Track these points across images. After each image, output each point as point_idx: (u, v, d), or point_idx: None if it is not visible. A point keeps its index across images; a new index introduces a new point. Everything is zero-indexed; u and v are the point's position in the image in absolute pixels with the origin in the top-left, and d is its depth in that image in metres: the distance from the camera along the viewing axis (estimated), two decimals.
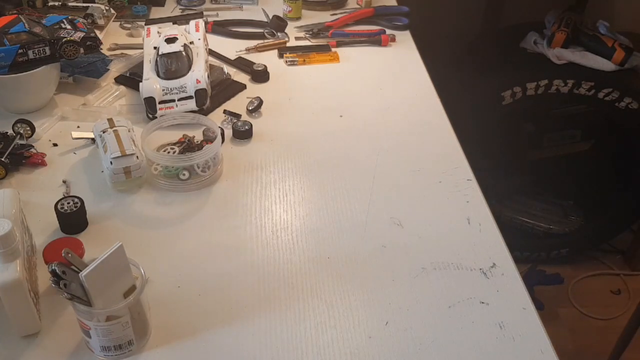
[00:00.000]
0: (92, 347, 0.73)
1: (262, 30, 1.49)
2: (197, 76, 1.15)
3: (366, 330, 0.78)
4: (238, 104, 1.24)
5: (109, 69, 1.29)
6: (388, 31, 1.51)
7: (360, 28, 1.54)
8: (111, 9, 1.50)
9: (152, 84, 1.15)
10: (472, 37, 2.16)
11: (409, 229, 0.94)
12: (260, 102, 1.21)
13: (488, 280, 0.85)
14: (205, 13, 1.59)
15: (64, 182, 1.02)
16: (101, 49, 1.27)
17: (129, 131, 1.03)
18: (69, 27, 1.19)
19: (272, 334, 0.77)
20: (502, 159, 2.03)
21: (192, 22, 1.29)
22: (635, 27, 1.96)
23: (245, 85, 1.30)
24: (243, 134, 1.13)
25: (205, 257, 0.89)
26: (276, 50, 1.44)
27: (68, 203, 0.91)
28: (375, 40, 1.47)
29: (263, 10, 1.60)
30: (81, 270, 0.67)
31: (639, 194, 2.03)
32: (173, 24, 1.47)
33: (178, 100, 1.15)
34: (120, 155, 0.97)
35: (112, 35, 1.47)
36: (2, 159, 1.01)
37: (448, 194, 1.00)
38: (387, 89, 1.30)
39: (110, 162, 0.97)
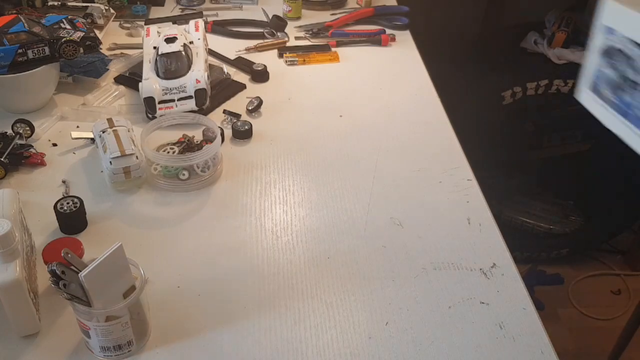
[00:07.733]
0: (91, 348, 0.73)
1: (262, 30, 1.49)
2: (197, 76, 1.15)
3: (366, 331, 0.78)
4: (238, 103, 1.24)
5: (108, 69, 1.29)
6: (388, 31, 1.51)
7: (360, 28, 1.53)
8: (111, 8, 1.50)
9: (151, 83, 1.14)
10: (473, 37, 2.16)
11: (409, 229, 0.94)
12: (260, 102, 1.21)
13: (488, 280, 0.85)
14: (205, 13, 1.59)
15: (64, 182, 1.02)
16: (100, 48, 1.27)
17: (128, 131, 1.03)
18: (68, 26, 1.19)
19: (272, 334, 0.77)
20: (502, 159, 2.03)
21: (192, 22, 1.29)
22: None
23: (245, 85, 1.30)
24: (243, 133, 1.13)
25: (205, 257, 0.88)
26: (276, 50, 1.44)
27: (67, 203, 0.91)
28: (375, 40, 1.47)
29: (263, 10, 1.60)
30: (81, 271, 0.67)
31: (639, 194, 2.03)
32: (173, 23, 1.47)
33: (178, 100, 1.15)
34: (119, 155, 0.96)
35: (111, 35, 1.47)
36: (2, 159, 1.01)
37: (448, 194, 1.00)
38: (387, 89, 1.29)
39: (110, 162, 0.96)
